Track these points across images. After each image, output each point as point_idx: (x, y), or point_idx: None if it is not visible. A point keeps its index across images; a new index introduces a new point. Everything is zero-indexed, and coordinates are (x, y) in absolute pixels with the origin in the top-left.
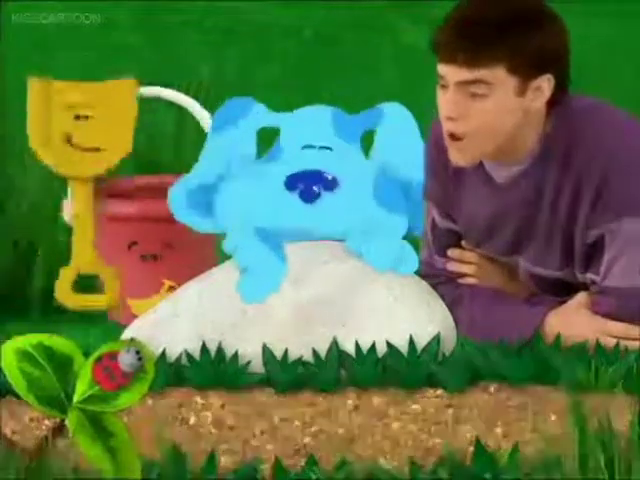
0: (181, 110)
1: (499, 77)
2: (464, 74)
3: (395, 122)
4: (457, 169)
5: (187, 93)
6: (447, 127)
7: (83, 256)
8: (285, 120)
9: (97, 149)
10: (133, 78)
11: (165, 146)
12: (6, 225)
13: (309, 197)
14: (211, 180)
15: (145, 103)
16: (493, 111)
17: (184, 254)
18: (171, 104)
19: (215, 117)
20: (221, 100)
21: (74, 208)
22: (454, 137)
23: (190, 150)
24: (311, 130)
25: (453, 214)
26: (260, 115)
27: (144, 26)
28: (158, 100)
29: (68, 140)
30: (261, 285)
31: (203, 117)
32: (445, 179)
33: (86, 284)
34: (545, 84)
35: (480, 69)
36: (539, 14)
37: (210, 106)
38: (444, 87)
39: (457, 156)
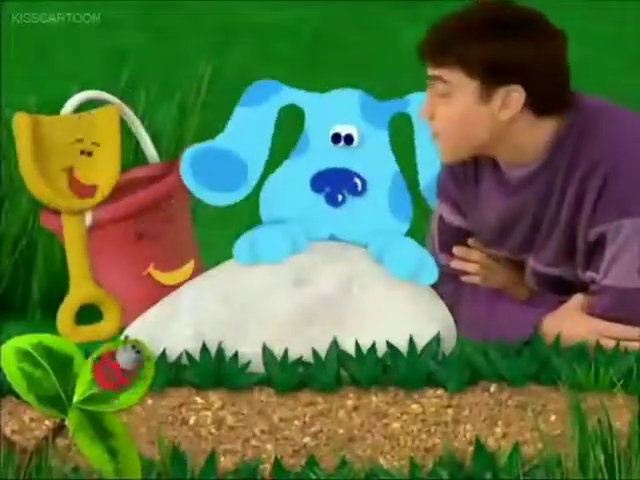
0: (181, 110)
1: (458, 79)
2: (430, 70)
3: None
4: (476, 168)
5: (187, 93)
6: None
7: (81, 287)
8: (311, 101)
9: (94, 187)
10: (115, 105)
11: (164, 145)
12: (6, 225)
13: (335, 201)
14: (222, 146)
15: (144, 103)
16: (454, 113)
17: (160, 240)
18: (171, 104)
19: (244, 94)
20: (221, 100)
21: (66, 241)
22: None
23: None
24: (338, 112)
25: (467, 212)
26: (287, 95)
27: (144, 26)
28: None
29: (69, 173)
30: (259, 248)
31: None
32: (463, 178)
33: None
34: (514, 95)
35: (440, 68)
36: (524, 28)
37: (210, 106)
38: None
39: (439, 152)
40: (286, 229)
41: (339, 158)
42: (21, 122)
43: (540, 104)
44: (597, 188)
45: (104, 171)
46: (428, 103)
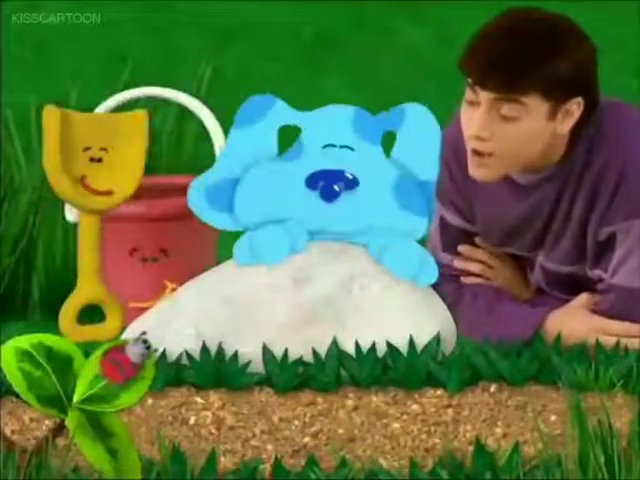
0: (181, 110)
1: (533, 102)
2: (495, 94)
3: (416, 124)
4: None
5: (187, 93)
6: (473, 144)
7: (88, 286)
8: (306, 119)
9: (109, 192)
10: (144, 111)
11: (164, 145)
12: (6, 225)
13: (329, 195)
14: (231, 176)
15: (144, 103)
16: (522, 134)
17: (184, 257)
18: (170, 104)
19: (238, 114)
20: (221, 100)
21: (80, 239)
22: (479, 154)
23: (189, 150)
24: (332, 129)
25: (468, 215)
26: (282, 113)
27: (144, 26)
28: (156, 100)
29: (82, 181)
30: (259, 249)
31: (204, 114)
32: (462, 180)
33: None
34: (575, 107)
35: (514, 93)
36: (569, 37)
37: (210, 106)
38: (472, 104)
39: (479, 172)
40: (285, 229)
41: (333, 160)
42: (51, 116)
43: (589, 112)
44: (609, 188)
45: (118, 176)
46: (486, 124)
